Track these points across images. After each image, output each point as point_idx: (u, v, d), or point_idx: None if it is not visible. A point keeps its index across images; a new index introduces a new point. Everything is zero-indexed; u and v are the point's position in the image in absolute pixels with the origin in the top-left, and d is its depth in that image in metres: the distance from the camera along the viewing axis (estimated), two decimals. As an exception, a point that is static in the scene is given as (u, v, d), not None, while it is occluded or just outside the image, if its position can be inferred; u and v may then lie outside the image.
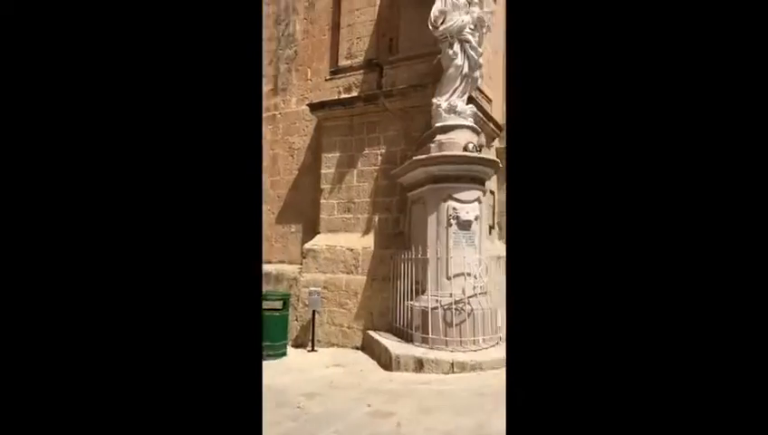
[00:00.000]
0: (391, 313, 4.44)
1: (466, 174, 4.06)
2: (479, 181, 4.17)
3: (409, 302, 4.08)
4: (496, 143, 7.06)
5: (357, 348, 4.62)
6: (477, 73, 4.40)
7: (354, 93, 5.25)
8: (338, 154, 5.27)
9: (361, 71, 5.28)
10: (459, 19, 4.18)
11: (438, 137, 4.19)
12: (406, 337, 4.03)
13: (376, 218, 4.99)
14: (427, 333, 3.83)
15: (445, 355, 3.59)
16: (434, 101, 4.32)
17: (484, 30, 4.38)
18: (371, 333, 4.44)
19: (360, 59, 5.36)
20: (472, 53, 4.23)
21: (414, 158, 4.24)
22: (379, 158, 5.06)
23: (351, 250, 4.92)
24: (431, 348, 3.75)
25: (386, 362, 3.79)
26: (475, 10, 4.27)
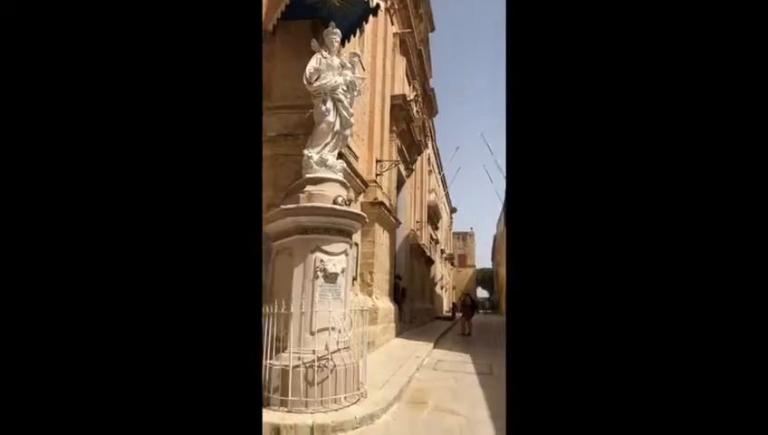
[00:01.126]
0: (246, 374, 4.01)
1: (334, 226, 4.10)
2: (347, 234, 4.24)
3: (268, 361, 3.76)
4: (362, 198, 7.39)
5: (202, 419, 4.00)
6: (348, 132, 4.62)
7: (219, 134, 4.95)
8: (195, 196, 4.80)
9: (229, 112, 5.04)
10: (333, 79, 4.39)
11: (308, 188, 4.18)
12: (263, 401, 3.66)
13: (235, 268, 4.59)
14: (287, 395, 3.55)
15: (305, 419, 3.35)
16: (305, 152, 4.35)
17: (356, 93, 4.67)
18: (221, 399, 3.91)
19: (228, 100, 5.13)
20: (344, 112, 4.45)
21: (282, 206, 4.12)
22: (243, 203, 4.77)
23: (203, 303, 4.39)
24: (289, 411, 3.48)
25: (237, 433, 3.34)
26: (348, 73, 4.56)
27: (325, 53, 4.50)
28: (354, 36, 5.54)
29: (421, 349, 7.95)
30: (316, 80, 4.37)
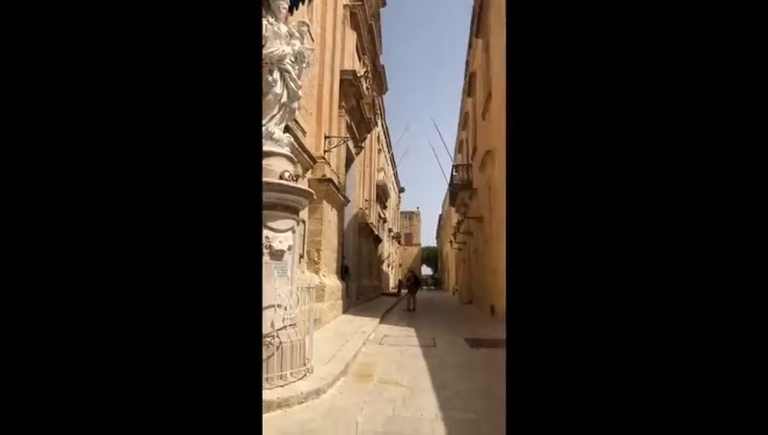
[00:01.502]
0: (187, 354, 3.87)
1: (281, 202, 3.99)
2: (294, 211, 4.15)
3: (210, 340, 3.65)
4: (309, 174, 7.25)
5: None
6: (296, 104, 4.46)
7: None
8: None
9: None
10: (280, 48, 4.19)
11: (253, 162, 4.01)
12: (204, 381, 3.57)
13: (173, 245, 4.35)
14: (230, 374, 3.48)
15: (249, 396, 3.32)
16: (250, 124, 4.15)
17: (304, 64, 4.50)
18: (159, 380, 3.76)
19: (164, 64, 4.74)
20: (291, 83, 4.27)
21: (225, 181, 3.93)
22: (182, 177, 4.49)
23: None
24: (234, 390, 3.42)
25: (177, 413, 3.24)
26: (296, 43, 4.37)
27: (272, 20, 4.27)
28: (303, 4, 5.29)
29: (367, 324, 8.10)
30: (262, 48, 4.15)
